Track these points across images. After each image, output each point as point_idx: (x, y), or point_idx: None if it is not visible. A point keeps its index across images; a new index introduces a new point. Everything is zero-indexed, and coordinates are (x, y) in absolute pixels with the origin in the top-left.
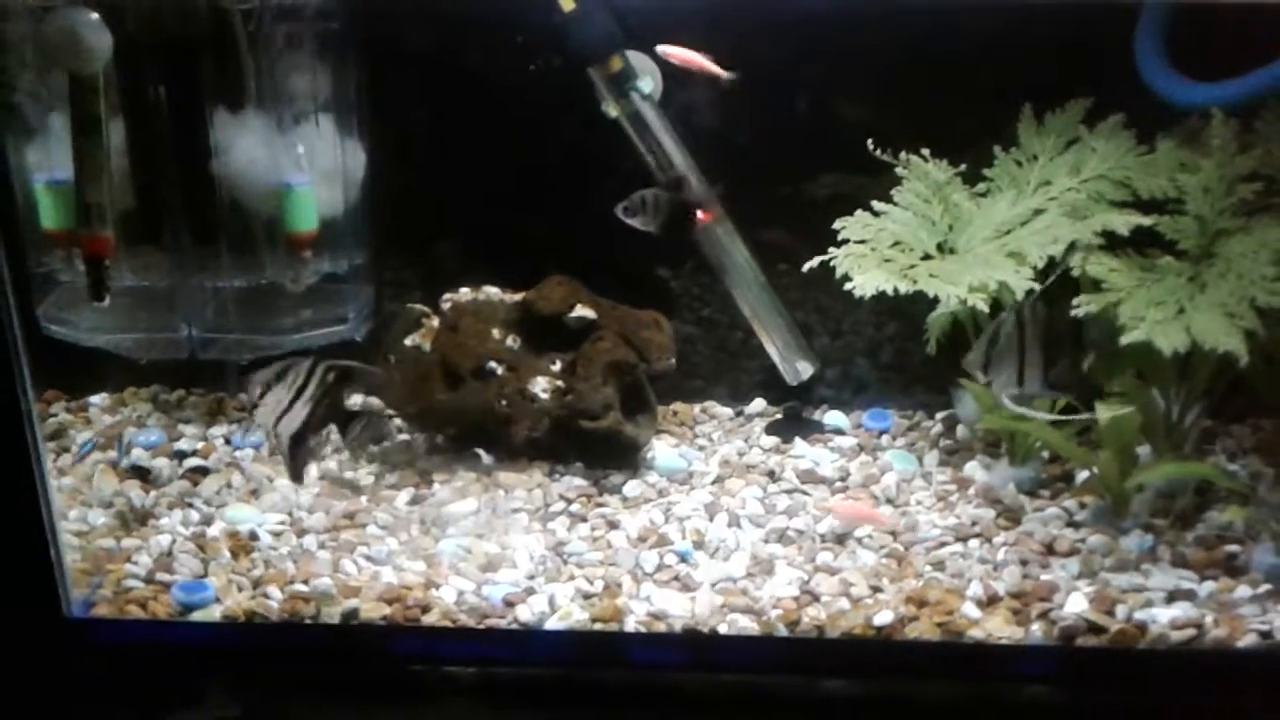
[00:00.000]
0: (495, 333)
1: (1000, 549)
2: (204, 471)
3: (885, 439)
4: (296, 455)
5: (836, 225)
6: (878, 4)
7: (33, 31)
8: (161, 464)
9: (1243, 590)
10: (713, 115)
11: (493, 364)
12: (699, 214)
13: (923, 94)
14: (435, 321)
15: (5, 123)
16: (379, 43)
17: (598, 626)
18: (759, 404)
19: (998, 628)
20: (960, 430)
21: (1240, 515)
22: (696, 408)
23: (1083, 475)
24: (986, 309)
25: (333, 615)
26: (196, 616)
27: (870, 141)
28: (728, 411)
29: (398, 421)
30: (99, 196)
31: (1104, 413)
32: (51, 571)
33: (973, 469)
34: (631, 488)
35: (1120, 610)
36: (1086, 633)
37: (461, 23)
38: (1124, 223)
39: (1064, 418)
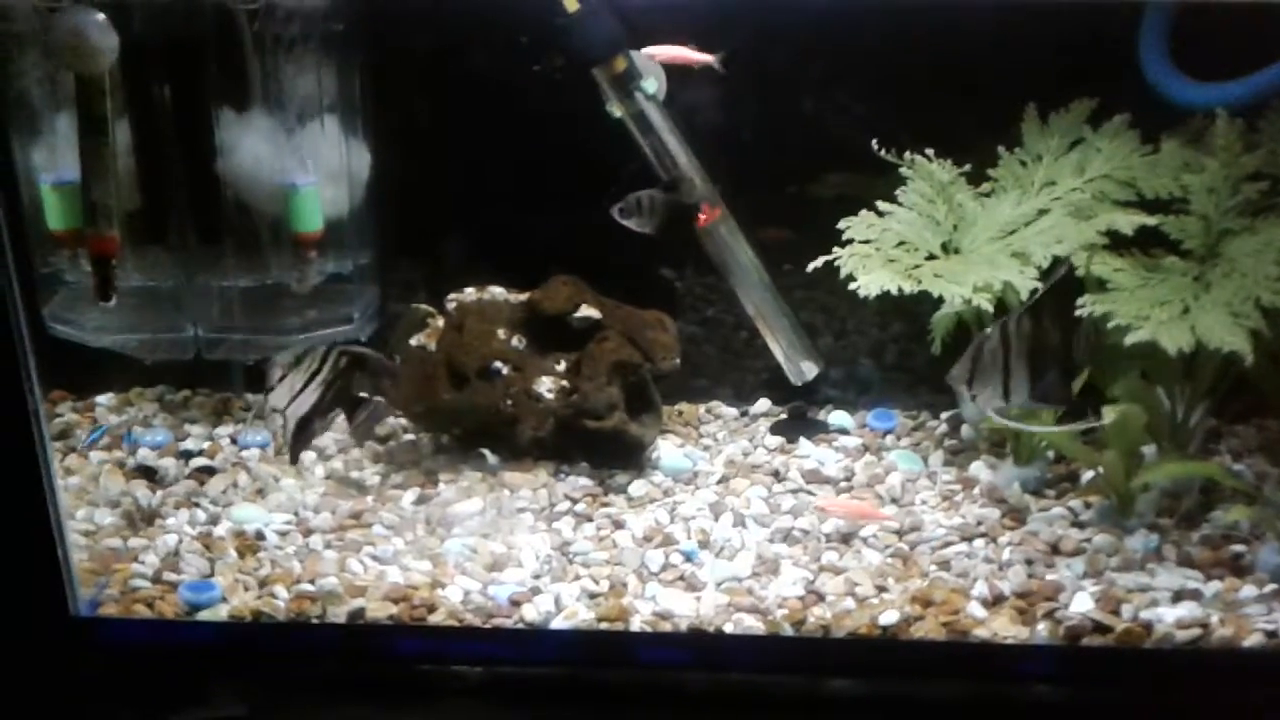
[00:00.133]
0: (500, 333)
1: (1005, 549)
2: (210, 471)
3: (890, 439)
4: (299, 438)
5: (841, 225)
6: (881, 3)
7: (39, 32)
8: (168, 464)
9: (1248, 590)
10: (717, 115)
11: (498, 364)
12: (701, 214)
13: (927, 94)
14: (440, 321)
15: (12, 123)
16: (384, 43)
17: (603, 626)
18: (764, 404)
19: (1003, 627)
20: (965, 430)
21: (1245, 515)
22: (701, 408)
23: (1088, 475)
24: (991, 309)
25: (339, 615)
26: (203, 616)
27: (875, 141)
28: (733, 411)
29: (403, 421)
30: (105, 197)
31: (1109, 413)
32: (59, 571)
33: (978, 469)
34: (637, 487)
35: (1126, 610)
36: (1092, 632)
37: (465, 23)
38: (1129, 222)
39: (1054, 429)
